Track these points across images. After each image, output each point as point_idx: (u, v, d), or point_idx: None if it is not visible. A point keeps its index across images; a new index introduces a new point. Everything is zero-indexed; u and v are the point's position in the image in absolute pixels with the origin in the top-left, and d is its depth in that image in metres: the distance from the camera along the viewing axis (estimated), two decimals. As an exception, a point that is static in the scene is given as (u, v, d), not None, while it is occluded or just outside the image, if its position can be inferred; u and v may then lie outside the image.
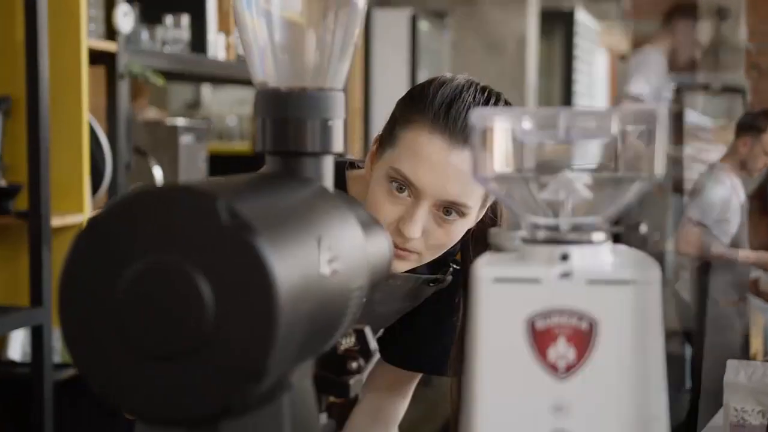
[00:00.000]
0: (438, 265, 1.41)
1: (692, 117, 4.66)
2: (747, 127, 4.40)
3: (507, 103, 1.30)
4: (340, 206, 0.76)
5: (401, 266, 1.30)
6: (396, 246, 1.26)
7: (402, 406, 1.54)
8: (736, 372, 2.00)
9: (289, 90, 0.80)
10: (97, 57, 2.66)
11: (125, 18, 2.67)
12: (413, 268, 1.35)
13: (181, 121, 3.28)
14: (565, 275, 0.67)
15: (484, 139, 0.70)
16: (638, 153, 0.69)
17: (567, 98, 7.53)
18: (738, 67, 8.67)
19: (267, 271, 0.59)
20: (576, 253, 0.69)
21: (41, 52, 2.36)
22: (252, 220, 0.60)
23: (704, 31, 4.58)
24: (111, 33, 2.69)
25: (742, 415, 1.94)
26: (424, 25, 6.13)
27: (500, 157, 0.71)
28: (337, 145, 0.81)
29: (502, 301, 0.68)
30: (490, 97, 1.28)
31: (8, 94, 2.45)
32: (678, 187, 4.77)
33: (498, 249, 0.77)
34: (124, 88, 2.73)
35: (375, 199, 1.27)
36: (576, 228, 0.71)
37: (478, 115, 0.70)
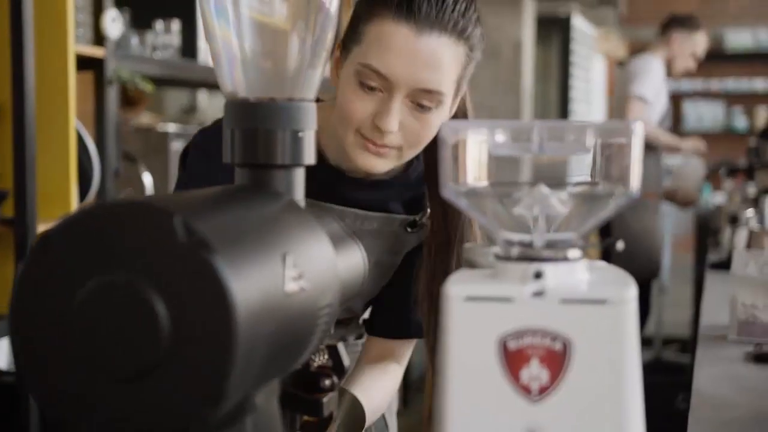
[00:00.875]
0: (414, 209, 1.41)
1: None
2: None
3: None
4: (309, 221, 0.74)
5: (382, 164, 1.28)
6: (374, 143, 1.25)
7: (399, 373, 1.49)
8: (744, 263, 1.85)
9: (258, 100, 0.78)
10: (85, 62, 2.63)
11: (113, 23, 2.65)
12: (388, 200, 1.38)
13: (172, 127, 3.26)
14: (538, 294, 0.65)
15: (455, 152, 0.68)
16: (615, 168, 0.66)
17: (564, 104, 7.50)
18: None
19: (225, 290, 0.57)
20: (550, 270, 0.66)
21: (27, 57, 2.33)
22: (210, 238, 0.58)
23: (703, 40, 4.61)
24: (99, 38, 2.67)
25: (752, 311, 1.80)
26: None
27: (472, 171, 0.69)
28: (309, 156, 0.79)
29: (473, 321, 0.66)
30: None
31: (-5, 100, 2.43)
32: (670, 197, 4.80)
33: (471, 265, 0.75)
34: (112, 94, 2.70)
35: (345, 99, 1.25)
36: (551, 245, 0.68)
37: (448, 128, 0.68)
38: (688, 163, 4.79)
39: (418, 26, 1.21)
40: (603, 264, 0.73)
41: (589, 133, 0.66)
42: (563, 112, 7.43)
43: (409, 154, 1.29)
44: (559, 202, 0.68)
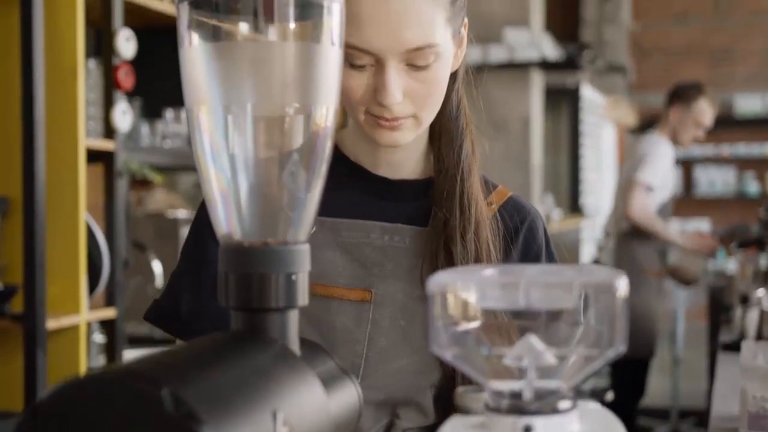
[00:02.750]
0: None
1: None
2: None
3: None
4: (300, 368, 0.74)
5: (402, 136, 1.19)
6: (385, 119, 1.17)
7: None
8: (753, 354, 1.80)
9: (251, 245, 0.79)
10: (95, 155, 2.67)
11: (124, 116, 2.69)
12: None
13: (182, 213, 3.28)
14: (528, 450, 0.65)
15: (442, 304, 0.69)
16: (602, 320, 0.67)
17: (574, 173, 7.53)
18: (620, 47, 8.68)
19: (212, 462, 0.57)
20: (540, 424, 0.66)
21: (38, 152, 2.37)
22: (198, 409, 0.58)
23: (705, 109, 4.60)
24: (110, 131, 2.71)
25: (763, 403, 1.74)
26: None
27: (459, 323, 0.69)
28: (302, 298, 0.80)
29: (464, 475, 0.66)
30: None
31: (6, 195, 2.46)
32: (671, 274, 4.78)
33: (464, 410, 0.75)
34: (122, 186, 2.73)
35: (343, 84, 1.10)
36: (540, 395, 0.68)
37: (435, 282, 0.68)
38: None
39: None
40: (595, 406, 0.73)
41: (574, 289, 0.66)
42: (574, 182, 7.45)
43: (428, 117, 1.20)
44: (548, 353, 0.68)
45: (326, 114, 0.82)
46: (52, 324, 2.41)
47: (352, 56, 1.13)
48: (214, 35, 0.77)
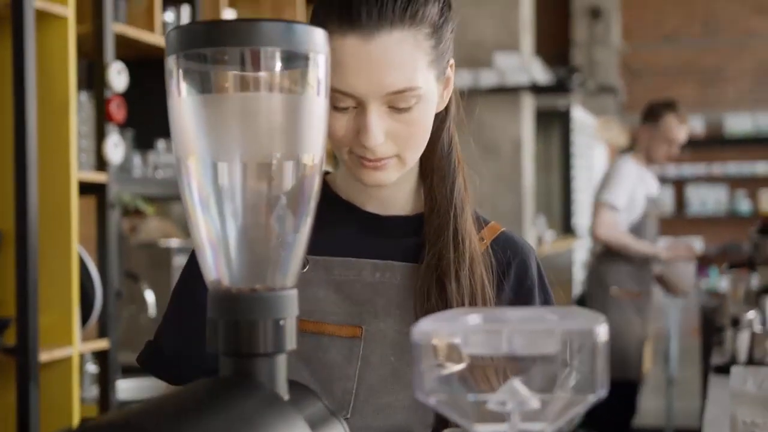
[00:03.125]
0: None
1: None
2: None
3: None
4: (288, 413, 0.76)
5: (385, 176, 1.21)
6: (368, 159, 1.19)
7: None
8: (743, 380, 1.79)
9: (239, 291, 0.80)
10: (88, 187, 2.68)
11: (115, 149, 2.70)
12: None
13: (175, 242, 3.29)
14: (512, 496, 0.66)
15: (426, 353, 0.70)
16: (582, 366, 0.68)
17: (566, 194, 7.56)
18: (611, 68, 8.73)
19: None
20: (524, 468, 0.68)
21: (31, 185, 2.38)
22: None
23: (673, 125, 4.59)
24: (102, 163, 2.72)
25: (752, 429, 1.74)
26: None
27: (443, 369, 0.71)
28: (290, 343, 0.81)
29: None
30: None
31: (-1, 228, 2.47)
32: (660, 283, 4.79)
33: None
34: (114, 218, 2.75)
35: (329, 126, 1.11)
36: (524, 440, 0.70)
37: (419, 332, 0.70)
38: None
39: (363, 32, 1.14)
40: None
41: (554, 337, 0.68)
42: (566, 203, 7.48)
43: (412, 157, 1.22)
44: (532, 396, 0.69)
45: (313, 160, 0.83)
46: (44, 356, 2.41)
47: (335, 98, 1.15)
48: (202, 87, 0.79)
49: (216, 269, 0.82)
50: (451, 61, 1.25)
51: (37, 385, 2.33)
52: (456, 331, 0.70)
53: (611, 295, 4.48)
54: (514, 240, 1.34)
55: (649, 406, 6.47)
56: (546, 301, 1.33)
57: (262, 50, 0.77)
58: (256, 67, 0.78)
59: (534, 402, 0.70)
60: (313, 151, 0.83)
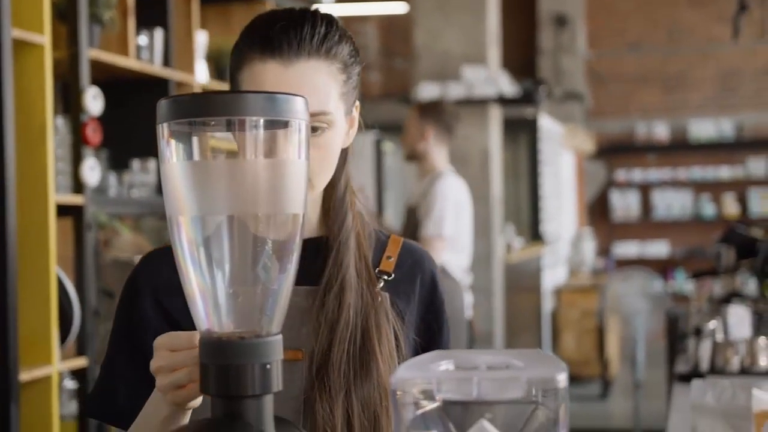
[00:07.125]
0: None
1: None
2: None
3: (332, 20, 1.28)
4: (276, 452, 0.83)
5: None
6: None
7: None
8: (703, 392, 1.82)
9: (228, 339, 0.87)
10: (65, 209, 2.73)
11: (92, 171, 2.75)
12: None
13: (149, 259, 3.33)
14: None
15: (402, 398, 0.77)
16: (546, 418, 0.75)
17: (534, 202, 7.66)
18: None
19: None
20: (491, 502, 0.75)
21: (9, 208, 2.42)
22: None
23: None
24: (78, 185, 2.77)
25: None
26: (388, 147, 6.28)
27: (417, 413, 0.78)
28: (277, 384, 0.88)
29: None
30: (305, 12, 1.27)
31: (-23, 251, 2.50)
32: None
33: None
34: (91, 238, 2.79)
35: None
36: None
37: (398, 379, 0.77)
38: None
39: (284, 59, 1.23)
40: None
41: (521, 381, 0.75)
42: (534, 210, 7.58)
43: (321, 181, 1.28)
44: (498, 436, 0.76)
45: (295, 214, 0.90)
46: (24, 376, 2.46)
47: None
48: (191, 153, 0.86)
49: (207, 319, 0.89)
50: (357, 104, 1.33)
51: (18, 406, 2.37)
52: (430, 379, 0.77)
53: None
54: (417, 250, 1.40)
55: (617, 408, 6.58)
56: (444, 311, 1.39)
57: (248, 120, 0.84)
58: (241, 134, 0.85)
59: (501, 441, 0.77)
60: (296, 206, 0.90)
